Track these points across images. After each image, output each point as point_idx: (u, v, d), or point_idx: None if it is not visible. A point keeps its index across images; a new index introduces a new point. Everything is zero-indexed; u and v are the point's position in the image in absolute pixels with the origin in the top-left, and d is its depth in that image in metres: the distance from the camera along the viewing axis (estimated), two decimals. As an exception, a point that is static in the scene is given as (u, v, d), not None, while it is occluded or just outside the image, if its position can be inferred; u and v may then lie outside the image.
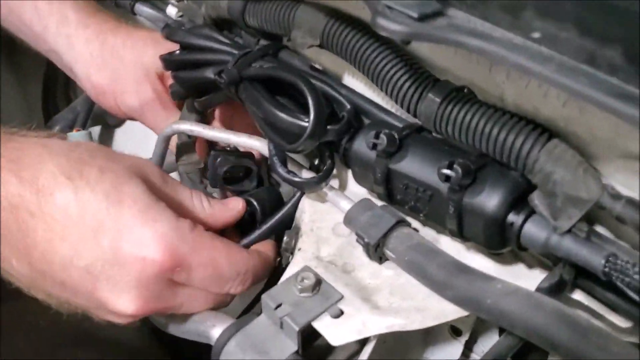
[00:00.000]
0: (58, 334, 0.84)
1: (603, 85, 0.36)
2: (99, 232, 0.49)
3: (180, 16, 0.78)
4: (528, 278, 0.51)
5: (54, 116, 1.16)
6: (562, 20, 0.37)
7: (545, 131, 0.46)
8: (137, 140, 1.00)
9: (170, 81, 0.72)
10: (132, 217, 0.50)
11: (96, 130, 1.05)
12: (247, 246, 0.60)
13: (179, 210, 0.54)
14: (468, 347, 0.61)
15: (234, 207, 0.60)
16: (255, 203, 0.62)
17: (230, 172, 0.66)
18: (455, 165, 0.47)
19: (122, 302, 0.50)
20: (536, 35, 0.39)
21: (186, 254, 0.51)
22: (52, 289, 0.52)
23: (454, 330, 0.61)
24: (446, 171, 0.47)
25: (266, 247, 0.60)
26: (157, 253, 0.50)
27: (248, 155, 0.66)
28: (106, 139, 1.07)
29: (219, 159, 0.66)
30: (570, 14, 0.36)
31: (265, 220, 0.61)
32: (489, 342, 0.60)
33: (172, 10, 0.78)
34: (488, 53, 0.39)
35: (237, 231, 0.61)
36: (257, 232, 0.61)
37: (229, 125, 0.74)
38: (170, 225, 0.51)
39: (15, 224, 0.50)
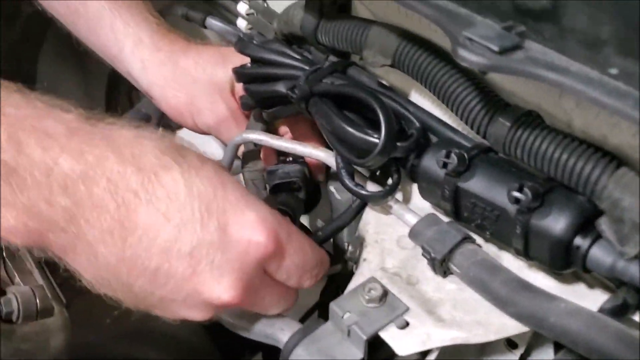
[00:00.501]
0: (121, 330, 0.88)
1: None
2: (206, 214, 0.49)
3: (250, 29, 0.81)
4: (589, 298, 0.53)
5: (119, 108, 1.22)
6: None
7: (614, 159, 0.48)
8: (198, 143, 1.04)
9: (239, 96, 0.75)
10: (237, 200, 0.51)
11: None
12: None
13: None
14: (522, 359, 0.63)
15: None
16: (288, 211, 0.64)
17: (280, 185, 0.69)
18: (525, 189, 0.49)
19: (221, 287, 0.50)
20: (614, 71, 0.41)
21: (284, 240, 0.52)
22: (138, 280, 0.50)
23: (509, 343, 0.63)
24: (516, 194, 0.49)
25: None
26: (262, 236, 0.50)
27: (301, 168, 0.69)
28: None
29: (267, 174, 0.69)
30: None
31: (325, 227, 0.64)
32: (543, 355, 0.61)
33: (242, 23, 0.81)
34: (566, 87, 0.41)
35: None
36: (316, 236, 0.62)
37: (293, 135, 0.77)
38: (269, 210, 0.53)
39: (114, 202, 0.48)
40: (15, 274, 0.80)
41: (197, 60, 0.78)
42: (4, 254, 0.82)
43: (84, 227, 0.48)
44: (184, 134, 0.89)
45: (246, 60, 0.72)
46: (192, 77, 0.78)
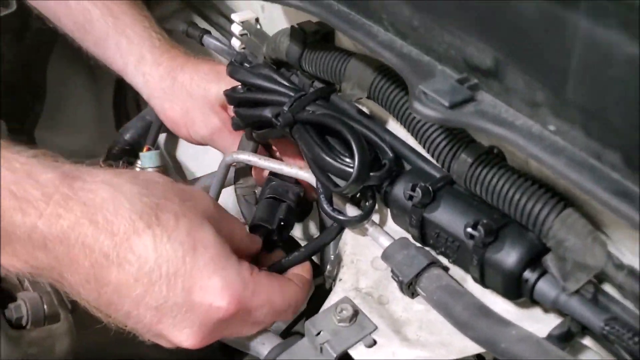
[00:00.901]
0: (124, 332, 0.94)
1: (605, 181, 0.41)
2: (173, 277, 0.53)
3: (243, 48, 0.85)
4: (543, 322, 0.57)
5: (123, 120, 1.27)
6: (572, 122, 0.42)
7: (562, 200, 0.51)
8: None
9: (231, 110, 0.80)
10: (205, 266, 0.54)
11: (162, 137, 1.14)
12: (286, 264, 0.66)
13: (232, 242, 0.59)
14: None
15: (258, 240, 0.66)
16: (268, 227, 0.69)
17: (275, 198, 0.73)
18: (479, 226, 0.53)
19: (182, 337, 0.55)
20: (552, 127, 0.44)
21: (247, 299, 0.56)
22: (115, 315, 0.56)
23: (477, 356, 0.67)
24: (471, 230, 0.53)
25: (304, 270, 0.65)
26: (223, 301, 0.55)
27: (298, 190, 0.73)
28: (171, 144, 1.17)
29: (266, 185, 0.74)
30: (577, 119, 0.42)
31: (307, 245, 0.68)
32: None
33: (235, 43, 0.85)
34: (510, 141, 0.45)
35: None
36: (297, 253, 0.67)
37: (283, 153, 0.81)
38: (235, 272, 0.56)
39: (88, 262, 0.53)
40: (25, 279, 0.86)
41: (192, 77, 0.84)
42: (15, 259, 0.88)
43: (64, 275, 0.54)
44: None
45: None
46: (188, 92, 0.84)
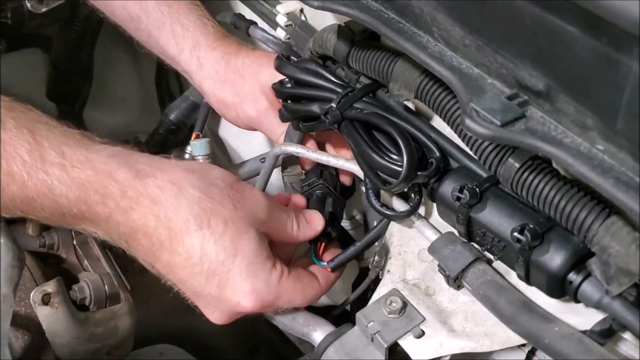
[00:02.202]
0: (179, 305, 1.00)
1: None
2: (211, 275, 0.64)
3: (288, 39, 0.87)
4: (584, 315, 0.60)
5: (166, 99, 1.30)
6: (620, 147, 0.44)
7: (606, 207, 0.54)
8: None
9: None
10: (239, 272, 0.64)
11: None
12: (343, 260, 0.72)
13: (277, 234, 0.69)
14: (531, 352, 0.71)
15: (315, 225, 0.73)
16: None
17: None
18: (525, 231, 0.55)
19: (212, 316, 0.68)
20: (600, 147, 0.47)
21: (271, 302, 0.67)
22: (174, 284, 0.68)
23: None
24: (517, 235, 0.56)
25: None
26: (249, 303, 0.65)
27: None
28: (215, 124, 1.20)
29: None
30: (626, 145, 0.44)
31: (356, 243, 0.72)
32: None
33: (280, 33, 0.87)
34: (558, 159, 0.47)
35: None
36: (348, 252, 0.71)
37: (330, 144, 0.84)
38: (264, 281, 0.65)
39: (147, 243, 0.64)
40: (85, 259, 0.91)
41: (245, 61, 0.87)
42: (75, 241, 0.93)
43: (131, 247, 0.66)
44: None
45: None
46: (240, 74, 0.87)
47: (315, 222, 0.73)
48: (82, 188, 0.61)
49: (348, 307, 0.83)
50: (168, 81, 1.30)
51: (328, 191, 0.77)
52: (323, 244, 0.74)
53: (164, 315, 1.00)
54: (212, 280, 0.64)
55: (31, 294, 0.77)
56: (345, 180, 0.83)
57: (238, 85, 0.87)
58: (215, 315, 0.67)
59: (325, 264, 0.72)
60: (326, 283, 0.71)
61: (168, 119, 1.11)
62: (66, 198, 0.61)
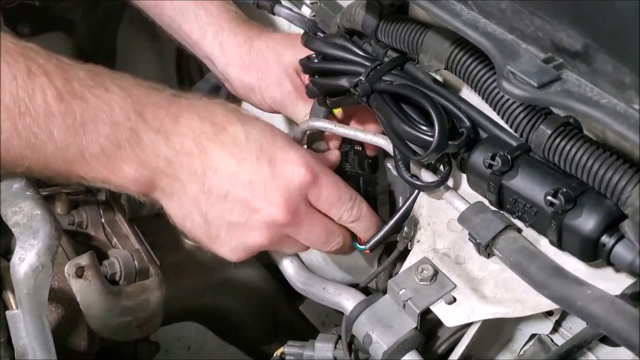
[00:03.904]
0: (206, 283, 1.02)
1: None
2: (260, 153, 0.68)
3: (313, 16, 0.88)
4: (614, 281, 0.61)
5: (185, 81, 1.32)
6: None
7: (639, 170, 0.54)
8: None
9: (305, 77, 0.84)
10: (283, 144, 0.69)
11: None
12: (382, 238, 0.74)
13: None
14: (557, 323, 0.72)
15: (333, 160, 0.78)
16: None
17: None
18: (559, 195, 0.56)
19: (273, 207, 0.68)
20: (637, 106, 0.47)
21: (319, 173, 0.70)
22: (213, 207, 0.68)
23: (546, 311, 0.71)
24: (551, 198, 0.57)
25: None
26: (302, 167, 0.68)
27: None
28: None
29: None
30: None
31: (389, 221, 0.73)
32: (576, 319, 0.69)
33: (306, 11, 0.88)
34: (595, 119, 0.48)
35: None
36: (384, 232, 0.73)
37: (355, 119, 0.85)
38: (308, 152, 0.71)
39: (196, 145, 0.68)
40: (114, 237, 0.93)
41: (268, 43, 0.89)
42: (103, 219, 0.94)
43: (178, 170, 0.68)
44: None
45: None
46: (264, 57, 0.89)
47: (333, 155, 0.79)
48: (138, 101, 0.66)
49: (373, 284, 0.85)
50: (189, 66, 1.32)
51: (357, 172, 0.78)
52: None
53: (187, 294, 1.02)
54: (262, 159, 0.67)
55: (65, 267, 0.78)
56: (370, 152, 0.84)
57: (263, 69, 0.88)
58: (276, 205, 0.68)
59: (363, 247, 0.73)
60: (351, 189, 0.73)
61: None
62: (124, 112, 0.65)
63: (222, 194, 0.68)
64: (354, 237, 0.74)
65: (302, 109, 0.87)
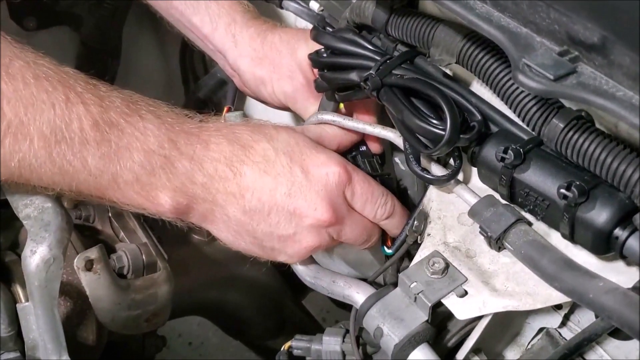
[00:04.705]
0: (213, 278, 1.02)
1: None
2: (291, 164, 0.70)
3: (322, 10, 0.88)
4: (626, 274, 0.61)
5: (189, 76, 1.31)
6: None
7: (652, 163, 0.55)
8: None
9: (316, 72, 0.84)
10: (309, 150, 0.71)
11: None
12: (399, 247, 0.75)
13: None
14: (566, 317, 0.72)
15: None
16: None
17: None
18: (572, 187, 0.56)
19: (318, 212, 0.69)
20: (653, 98, 0.48)
21: (351, 171, 0.72)
22: (260, 225, 0.70)
23: (555, 304, 0.72)
24: (564, 191, 0.57)
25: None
26: (335, 166, 0.70)
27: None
28: (239, 103, 1.21)
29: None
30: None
31: (408, 221, 0.74)
32: (585, 313, 0.70)
33: (314, 5, 0.88)
34: (611, 111, 0.48)
35: None
36: (406, 229, 0.73)
37: (364, 114, 0.85)
38: (335, 153, 0.73)
39: (231, 172, 0.69)
40: (121, 231, 0.93)
41: (282, 36, 0.88)
42: (110, 213, 0.95)
43: (216, 195, 0.69)
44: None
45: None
46: (277, 50, 0.88)
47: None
48: (170, 129, 0.67)
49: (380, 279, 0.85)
50: (193, 62, 1.31)
51: (372, 173, 0.78)
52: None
53: (194, 288, 1.02)
54: (295, 169, 0.69)
55: (75, 260, 0.78)
56: (375, 148, 0.84)
57: (276, 62, 0.88)
58: (319, 207, 0.69)
59: (390, 252, 0.75)
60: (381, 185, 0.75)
61: (196, 96, 1.13)
62: (157, 140, 0.66)
63: (265, 211, 0.69)
64: (382, 239, 0.75)
65: (312, 106, 0.86)
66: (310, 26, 0.87)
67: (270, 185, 0.69)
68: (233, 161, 0.69)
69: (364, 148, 0.82)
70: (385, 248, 0.75)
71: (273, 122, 0.76)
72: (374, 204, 0.73)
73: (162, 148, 0.66)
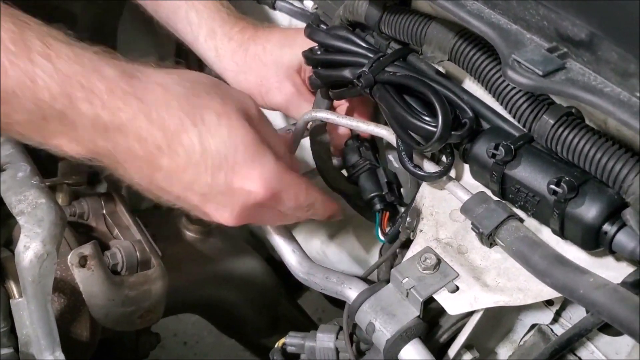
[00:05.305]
0: (206, 275, 1.02)
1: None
2: (216, 170, 0.63)
3: (316, 9, 0.88)
4: (615, 270, 0.62)
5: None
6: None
7: (640, 159, 0.55)
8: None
9: (306, 74, 0.84)
10: (244, 160, 0.63)
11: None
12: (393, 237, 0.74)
13: (267, 144, 0.67)
14: (557, 313, 0.73)
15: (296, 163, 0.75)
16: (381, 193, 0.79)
17: None
18: (562, 183, 0.57)
19: (225, 218, 0.66)
20: (639, 94, 0.48)
21: (279, 191, 0.67)
22: (166, 198, 0.66)
23: (547, 301, 0.72)
24: (554, 187, 0.57)
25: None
26: (260, 189, 0.65)
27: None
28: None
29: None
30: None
31: (402, 214, 0.75)
32: (576, 309, 0.70)
33: (308, 4, 0.89)
34: (599, 107, 0.49)
35: None
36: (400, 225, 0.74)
37: (357, 111, 0.85)
38: (271, 167, 0.65)
39: (142, 151, 0.62)
40: (115, 228, 0.93)
41: (265, 46, 0.87)
42: (104, 210, 0.95)
43: (120, 162, 0.63)
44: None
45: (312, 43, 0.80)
46: (262, 62, 0.87)
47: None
48: (66, 81, 0.58)
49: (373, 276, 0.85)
50: (189, 60, 1.31)
51: (374, 165, 0.79)
52: (387, 214, 0.76)
53: (188, 285, 1.02)
54: (219, 176, 0.63)
55: (68, 257, 0.79)
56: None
57: (262, 74, 0.87)
58: (227, 214, 0.66)
59: (384, 240, 0.75)
60: (327, 195, 0.73)
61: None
62: (49, 91, 0.58)
63: (173, 193, 0.65)
64: (379, 221, 0.76)
65: (305, 110, 0.86)
66: (302, 25, 0.87)
67: (187, 179, 0.63)
68: (148, 142, 0.61)
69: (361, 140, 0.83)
70: (380, 234, 0.76)
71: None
72: (296, 213, 0.72)
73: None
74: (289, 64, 0.85)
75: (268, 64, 0.86)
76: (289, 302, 1.20)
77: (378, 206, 0.77)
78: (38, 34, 0.59)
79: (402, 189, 0.86)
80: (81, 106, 0.59)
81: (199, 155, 0.62)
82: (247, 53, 0.86)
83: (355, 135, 0.83)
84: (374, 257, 0.95)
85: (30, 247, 0.65)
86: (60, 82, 0.58)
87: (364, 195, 0.79)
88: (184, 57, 1.32)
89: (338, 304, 1.05)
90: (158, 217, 1.00)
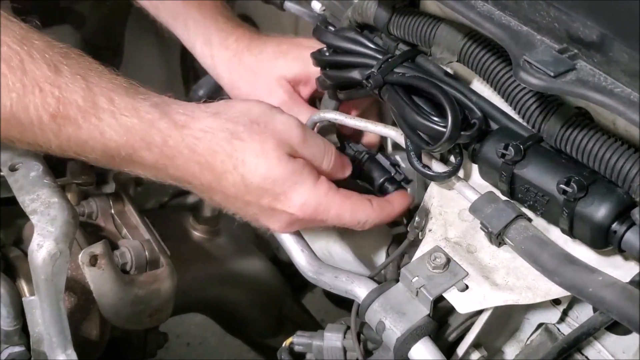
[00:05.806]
0: (213, 275, 1.03)
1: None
2: (260, 198, 0.71)
3: (324, 10, 0.89)
4: (624, 269, 0.62)
5: (190, 75, 1.32)
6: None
7: (650, 159, 0.56)
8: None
9: (299, 85, 0.88)
10: (282, 190, 0.70)
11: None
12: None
13: (313, 160, 0.73)
14: (564, 312, 0.73)
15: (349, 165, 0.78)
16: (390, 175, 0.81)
17: None
18: (572, 183, 0.58)
19: (275, 229, 0.75)
20: (651, 95, 0.49)
21: (320, 213, 0.72)
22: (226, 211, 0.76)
23: (554, 300, 0.73)
24: (564, 186, 0.58)
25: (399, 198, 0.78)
26: (298, 211, 0.71)
27: None
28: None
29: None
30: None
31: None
32: (583, 309, 0.71)
33: (316, 5, 0.89)
34: (609, 107, 0.50)
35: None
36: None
37: (365, 112, 0.86)
38: (307, 192, 0.71)
39: (198, 188, 0.72)
40: (123, 228, 0.93)
41: (258, 57, 0.90)
42: (113, 210, 0.95)
43: (187, 185, 0.73)
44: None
45: (317, 45, 0.82)
46: (254, 72, 0.90)
47: (347, 167, 0.78)
48: (129, 134, 0.67)
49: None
50: (194, 61, 1.32)
51: (371, 152, 0.80)
52: None
53: (195, 285, 1.03)
54: (262, 202, 0.71)
55: (79, 256, 0.79)
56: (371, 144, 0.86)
57: (251, 82, 0.90)
58: (277, 227, 0.74)
59: None
60: (380, 208, 0.75)
61: (197, 94, 1.13)
62: (115, 142, 0.67)
63: (234, 210, 0.74)
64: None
65: (300, 116, 0.86)
66: (306, 32, 0.89)
67: (238, 205, 0.73)
68: (205, 190, 0.72)
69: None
70: None
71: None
72: (344, 225, 0.75)
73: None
74: (280, 73, 0.88)
75: (259, 73, 0.89)
76: (294, 302, 1.20)
77: (391, 188, 0.79)
78: (103, 90, 0.67)
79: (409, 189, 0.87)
80: (143, 154, 0.69)
81: (244, 190, 0.71)
82: (240, 62, 0.89)
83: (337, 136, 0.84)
84: (379, 257, 0.95)
85: (43, 246, 0.65)
86: (124, 135, 0.67)
87: (375, 184, 0.80)
88: (189, 58, 1.33)
89: (341, 305, 1.06)
90: (164, 217, 1.01)
